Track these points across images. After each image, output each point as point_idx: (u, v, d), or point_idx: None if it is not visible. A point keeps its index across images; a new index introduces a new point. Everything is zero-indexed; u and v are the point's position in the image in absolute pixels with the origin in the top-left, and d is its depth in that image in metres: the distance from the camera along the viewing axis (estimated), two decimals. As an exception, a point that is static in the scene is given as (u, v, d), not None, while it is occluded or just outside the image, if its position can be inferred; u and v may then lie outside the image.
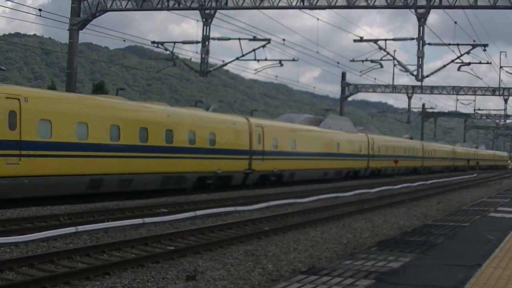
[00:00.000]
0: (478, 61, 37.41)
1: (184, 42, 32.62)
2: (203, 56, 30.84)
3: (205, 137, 24.87)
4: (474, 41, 34.40)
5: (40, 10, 26.28)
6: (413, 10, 28.08)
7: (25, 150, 16.94)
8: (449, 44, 33.97)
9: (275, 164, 29.62)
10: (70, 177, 18.48)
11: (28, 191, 17.40)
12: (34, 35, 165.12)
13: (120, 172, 20.33)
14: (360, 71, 40.72)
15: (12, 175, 16.55)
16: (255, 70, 35.43)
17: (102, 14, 29.71)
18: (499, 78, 60.42)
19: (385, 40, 34.96)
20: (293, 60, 35.30)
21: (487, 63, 38.32)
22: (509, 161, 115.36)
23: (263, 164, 28.67)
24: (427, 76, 32.31)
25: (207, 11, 29.35)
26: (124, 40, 32.63)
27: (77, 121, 18.81)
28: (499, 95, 55.39)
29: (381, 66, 38.57)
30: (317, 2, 27.66)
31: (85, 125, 19.07)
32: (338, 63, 43.64)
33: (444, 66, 36.00)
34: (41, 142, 17.48)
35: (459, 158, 72.69)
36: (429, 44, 33.17)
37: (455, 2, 26.60)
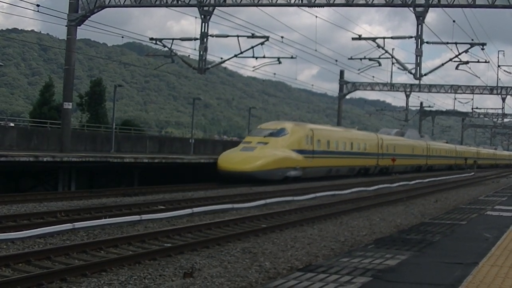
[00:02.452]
0: (476, 60, 37.44)
1: (182, 39, 32.48)
2: (201, 53, 30.76)
3: (362, 146, 41.93)
4: (472, 40, 34.45)
5: (38, 5, 26.15)
6: (411, 9, 28.03)
7: (315, 154, 33.62)
8: (447, 43, 33.98)
9: (386, 162, 45.75)
10: (323, 167, 35.08)
11: (313, 174, 33.45)
12: (32, 31, 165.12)
13: (335, 165, 36.78)
14: (358, 69, 40.84)
15: (310, 166, 33.06)
16: (254, 67, 35.58)
17: (100, 10, 29.60)
18: (497, 77, 60.42)
19: (384, 38, 34.97)
20: (292, 57, 35.16)
21: (485, 62, 38.36)
22: None
23: (382, 161, 45.48)
24: (425, 75, 32.33)
25: (206, 8, 29.29)
26: (123, 37, 32.76)
27: (327, 140, 35.90)
28: (497, 94, 55.27)
29: (379, 64, 38.59)
30: (315, 0, 27.60)
31: (328, 141, 35.97)
32: (336, 61, 43.81)
33: (442, 64, 36.01)
34: (317, 150, 34.11)
35: (481, 158, 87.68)
36: (427, 42, 33.06)
37: (453, 1, 26.54)
